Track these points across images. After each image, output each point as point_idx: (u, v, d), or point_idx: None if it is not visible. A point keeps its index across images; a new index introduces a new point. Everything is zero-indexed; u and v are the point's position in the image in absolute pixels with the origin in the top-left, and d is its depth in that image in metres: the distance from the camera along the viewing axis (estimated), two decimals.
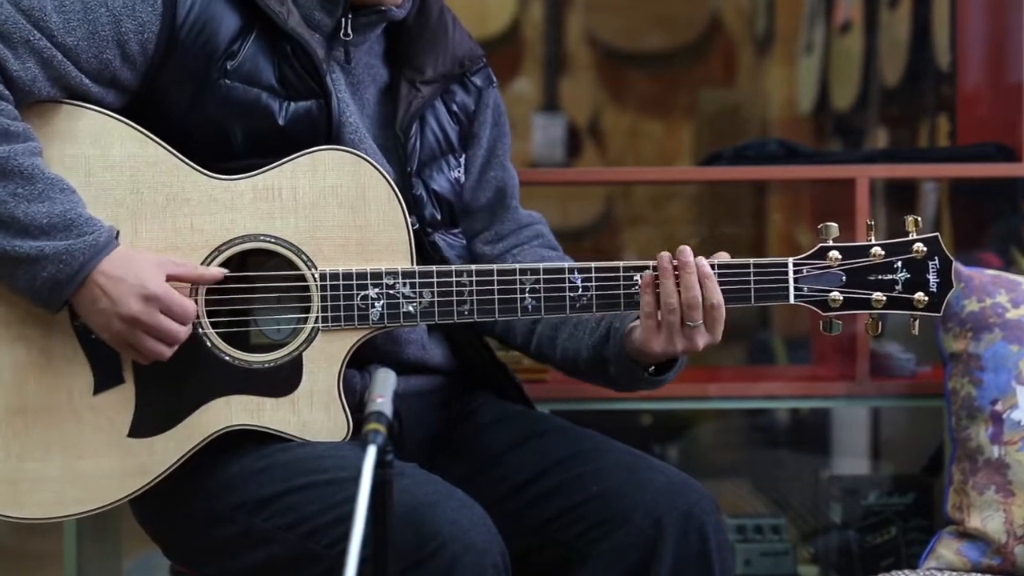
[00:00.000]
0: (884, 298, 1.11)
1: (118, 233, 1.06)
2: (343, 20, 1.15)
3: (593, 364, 1.15)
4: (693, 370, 1.21)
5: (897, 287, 1.11)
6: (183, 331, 1.05)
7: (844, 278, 1.11)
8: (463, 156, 1.23)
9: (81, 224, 1.04)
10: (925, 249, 1.11)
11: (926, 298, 1.11)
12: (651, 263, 1.11)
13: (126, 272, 1.03)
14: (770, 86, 3.14)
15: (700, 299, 1.06)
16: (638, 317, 1.10)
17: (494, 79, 1.27)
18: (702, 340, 1.08)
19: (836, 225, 1.12)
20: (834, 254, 1.11)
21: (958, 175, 1.75)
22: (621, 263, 1.12)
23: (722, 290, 1.09)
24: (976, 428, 1.43)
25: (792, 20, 3.02)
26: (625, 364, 1.12)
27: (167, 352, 1.05)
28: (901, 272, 1.11)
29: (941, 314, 1.12)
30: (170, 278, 1.05)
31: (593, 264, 1.13)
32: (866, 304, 1.11)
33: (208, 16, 1.10)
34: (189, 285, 1.07)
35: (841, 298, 1.11)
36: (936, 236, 1.12)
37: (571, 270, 1.12)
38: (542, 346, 1.20)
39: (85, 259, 1.03)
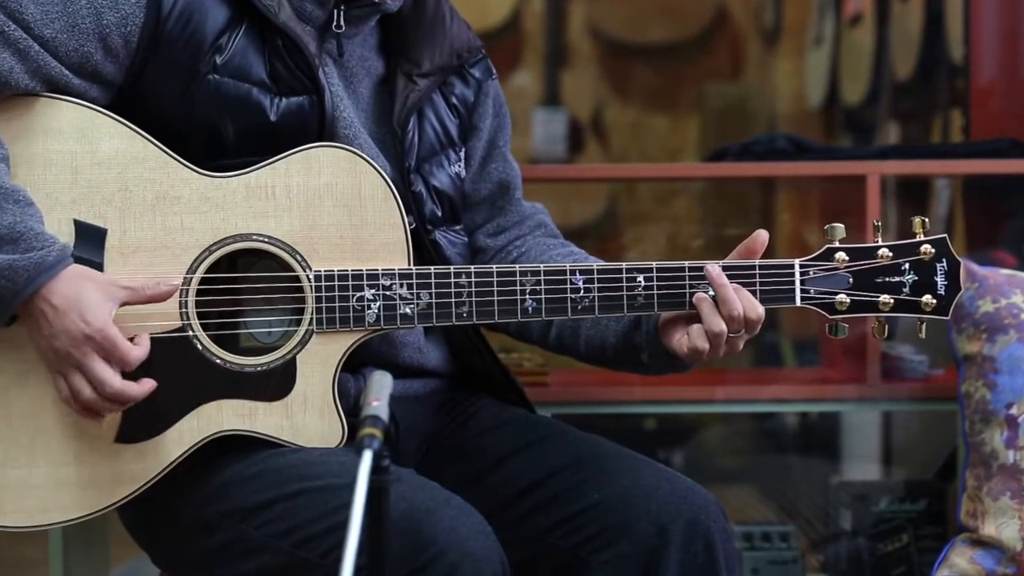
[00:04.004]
0: (891, 301, 1.09)
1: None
2: (335, 12, 1.12)
3: (623, 352, 1.14)
4: (699, 373, 1.19)
5: (905, 289, 1.10)
6: (115, 381, 1.00)
7: (851, 280, 1.10)
8: (463, 150, 1.21)
9: (30, 239, 1.00)
10: (933, 251, 1.10)
11: (934, 301, 1.10)
12: (653, 264, 1.09)
13: (70, 305, 0.99)
14: (778, 80, 3.11)
15: (742, 313, 1.06)
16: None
17: (494, 71, 1.24)
18: (743, 341, 1.09)
19: (842, 226, 1.10)
20: (841, 255, 1.10)
21: (972, 171, 1.73)
22: (624, 264, 1.10)
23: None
24: (990, 432, 1.41)
25: (801, 12, 2.98)
26: (660, 352, 1.11)
27: (90, 396, 1.01)
28: (908, 274, 1.10)
29: (949, 317, 1.10)
30: (124, 305, 1.02)
31: (595, 264, 1.11)
32: (873, 307, 1.09)
33: (194, 8, 1.07)
34: (179, 295, 1.04)
35: (848, 300, 1.09)
36: (944, 238, 1.11)
37: (572, 271, 1.09)
38: (563, 337, 1.18)
39: (29, 277, 1.00)
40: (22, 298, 1.00)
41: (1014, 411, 1.40)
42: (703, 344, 1.07)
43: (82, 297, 1.00)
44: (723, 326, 1.06)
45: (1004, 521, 1.38)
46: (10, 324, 1.03)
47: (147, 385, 1.02)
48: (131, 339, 1.02)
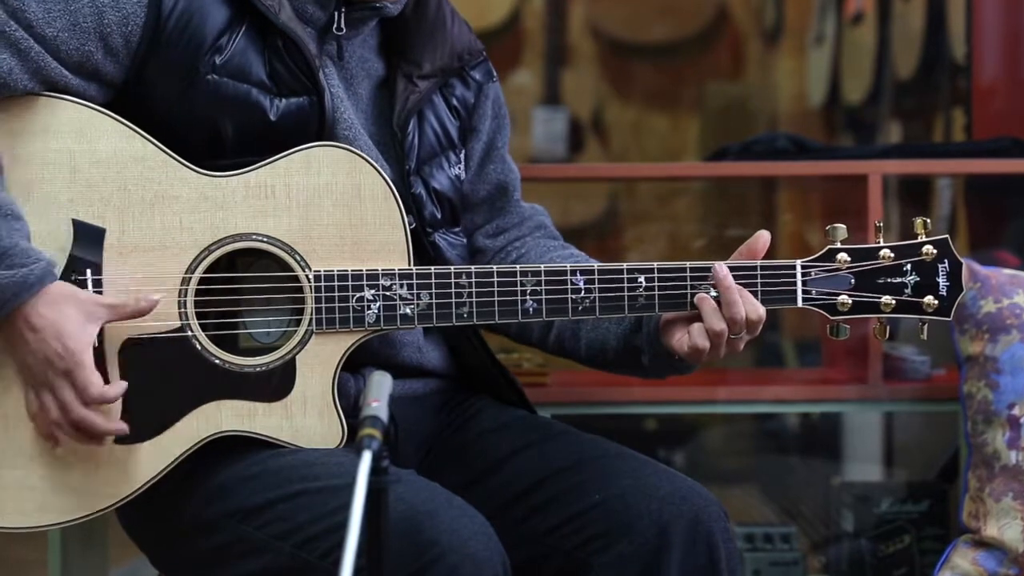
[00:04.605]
0: (893, 302, 1.09)
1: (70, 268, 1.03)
2: (336, 14, 1.12)
3: (624, 354, 1.13)
4: (699, 373, 1.18)
5: (906, 290, 1.09)
6: (80, 410, 1.00)
7: (853, 281, 1.09)
8: (463, 152, 1.20)
9: (15, 255, 1.00)
10: (935, 252, 1.09)
11: (936, 302, 1.09)
12: (654, 265, 1.08)
13: (49, 326, 0.99)
14: (779, 79, 3.10)
15: (744, 315, 1.06)
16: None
17: (494, 73, 1.24)
18: (743, 342, 1.08)
19: (844, 227, 1.10)
20: (842, 256, 1.09)
21: (974, 171, 1.72)
22: (624, 264, 1.09)
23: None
24: (993, 433, 1.41)
25: (802, 10, 2.97)
26: (661, 354, 1.10)
27: (56, 416, 1.01)
28: (910, 275, 1.09)
29: (951, 318, 1.10)
30: (107, 323, 1.02)
31: (596, 265, 1.10)
32: (875, 308, 1.09)
33: (195, 8, 1.07)
34: (178, 295, 1.04)
35: (850, 302, 1.09)
36: (946, 238, 1.10)
37: (573, 271, 1.08)
38: (563, 340, 1.18)
39: (12, 294, 1.00)
40: (3, 313, 1.00)
41: (1016, 411, 1.39)
42: (704, 343, 1.06)
43: (61, 318, 1.00)
44: (724, 326, 1.05)
45: (1007, 522, 1.37)
46: None
47: (116, 425, 1.01)
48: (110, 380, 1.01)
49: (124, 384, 1.02)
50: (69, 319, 1.00)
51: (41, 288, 1.00)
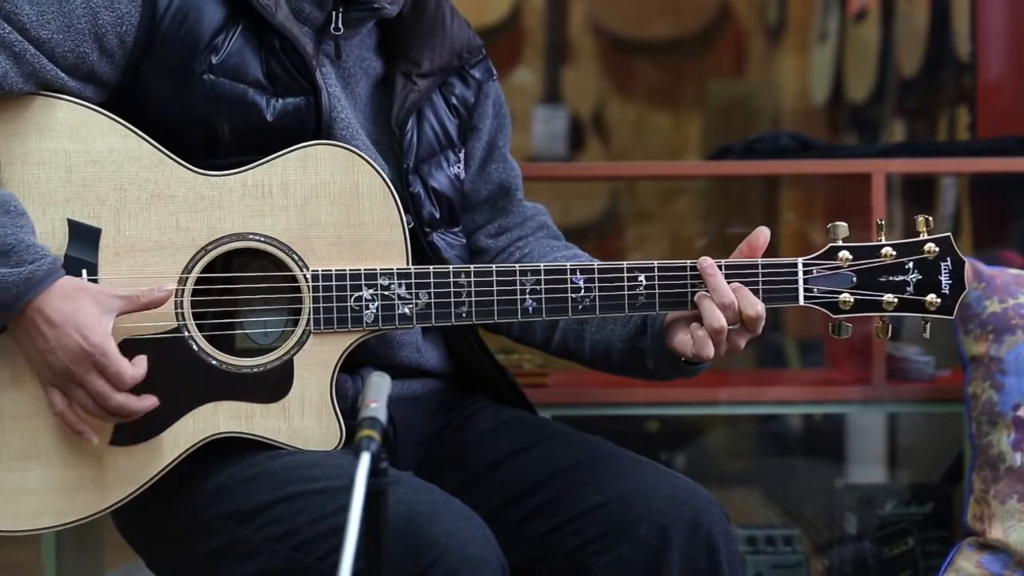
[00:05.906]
0: (895, 300, 1.08)
1: (69, 264, 1.02)
2: (334, 14, 1.11)
3: (628, 357, 1.13)
4: (701, 374, 1.17)
5: (909, 289, 1.08)
6: (116, 395, 1.00)
7: (855, 279, 1.08)
8: (463, 151, 1.20)
9: (21, 251, 1.00)
10: (937, 250, 1.09)
11: (938, 300, 1.09)
12: (654, 263, 1.08)
13: (67, 320, 0.99)
14: (782, 77, 3.09)
15: (736, 302, 1.05)
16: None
17: (494, 72, 1.24)
18: (744, 340, 1.07)
19: (845, 224, 1.09)
20: (844, 254, 1.08)
21: (978, 169, 1.72)
22: (625, 263, 1.09)
23: None
24: (997, 434, 1.40)
25: (805, 7, 2.97)
26: (666, 357, 1.10)
27: (93, 408, 1.01)
28: (912, 273, 1.09)
29: (954, 317, 1.08)
30: (120, 314, 1.01)
31: (596, 264, 1.09)
32: (877, 306, 1.08)
33: (190, 7, 1.06)
34: (174, 295, 1.03)
35: (852, 300, 1.08)
36: (948, 236, 1.10)
37: (573, 270, 1.07)
38: (567, 341, 1.17)
39: (20, 291, 0.99)
40: (14, 311, 1.00)
41: (1021, 413, 1.39)
42: (708, 351, 1.05)
43: (79, 312, 0.99)
44: (724, 323, 1.05)
45: (1011, 524, 1.36)
46: (0, 332, 1.02)
47: (148, 400, 1.02)
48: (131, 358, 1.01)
49: (144, 359, 1.01)
50: (86, 312, 0.99)
51: (50, 284, 0.99)
